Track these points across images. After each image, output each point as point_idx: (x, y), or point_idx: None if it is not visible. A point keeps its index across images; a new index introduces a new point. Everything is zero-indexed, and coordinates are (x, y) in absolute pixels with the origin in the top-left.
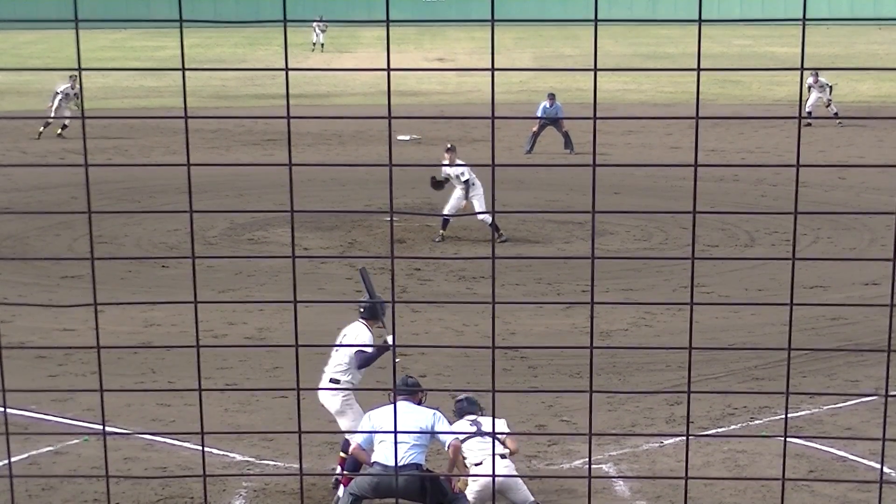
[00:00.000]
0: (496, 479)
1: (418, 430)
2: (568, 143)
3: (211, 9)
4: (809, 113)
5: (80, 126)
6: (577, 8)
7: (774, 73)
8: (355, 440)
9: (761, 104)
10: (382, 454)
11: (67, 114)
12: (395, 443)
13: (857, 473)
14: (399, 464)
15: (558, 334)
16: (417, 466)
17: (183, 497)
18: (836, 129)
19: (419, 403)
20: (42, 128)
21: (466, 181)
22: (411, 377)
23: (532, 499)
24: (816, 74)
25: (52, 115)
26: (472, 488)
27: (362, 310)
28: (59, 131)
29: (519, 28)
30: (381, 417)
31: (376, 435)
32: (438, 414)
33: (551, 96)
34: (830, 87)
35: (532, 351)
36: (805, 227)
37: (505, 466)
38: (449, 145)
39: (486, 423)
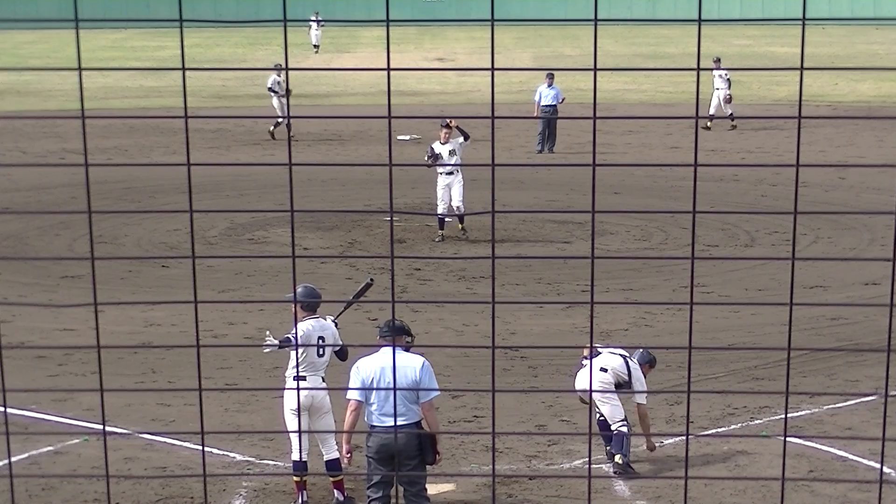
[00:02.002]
0: (595, 397)
1: (406, 380)
2: (552, 142)
3: (211, 9)
4: (713, 116)
5: (293, 124)
6: (577, 8)
7: (774, 73)
8: (351, 395)
9: (761, 104)
10: (377, 415)
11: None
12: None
13: (857, 473)
14: (398, 423)
15: (558, 334)
16: (417, 424)
17: (183, 497)
18: (835, 129)
19: (406, 349)
20: (290, 131)
21: (455, 161)
22: (397, 320)
23: (619, 417)
24: (719, 62)
25: (280, 112)
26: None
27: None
28: (272, 128)
29: (519, 28)
30: (368, 367)
31: (368, 393)
32: (427, 364)
33: (549, 76)
34: (730, 80)
35: (532, 351)
36: (805, 227)
37: (601, 382)
38: (447, 121)
39: (604, 359)
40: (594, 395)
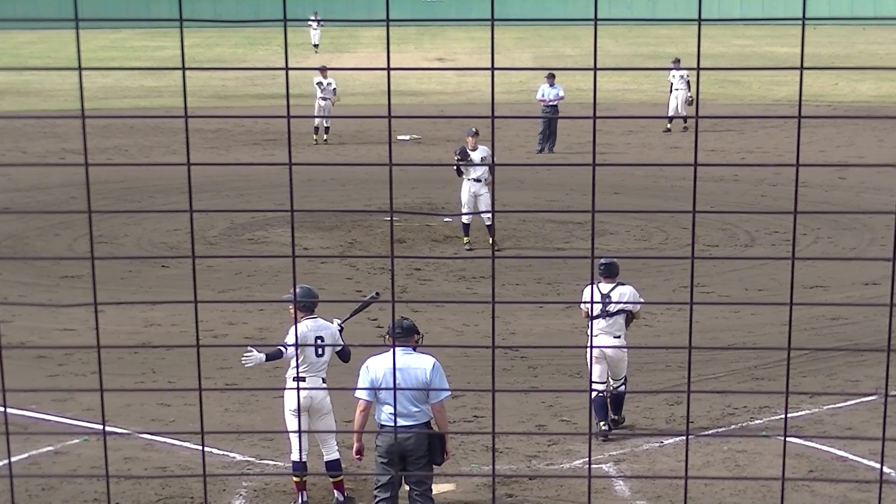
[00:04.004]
0: (610, 352)
1: (416, 381)
2: (552, 142)
3: (211, 9)
4: (674, 117)
5: (339, 126)
6: (577, 8)
7: (774, 73)
8: (360, 395)
9: (761, 104)
10: (387, 415)
11: (330, 111)
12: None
13: (857, 473)
14: (408, 423)
15: (558, 334)
16: (426, 425)
17: (183, 497)
18: (835, 129)
19: (414, 348)
20: (315, 135)
21: (491, 164)
22: (406, 319)
23: (623, 374)
24: (678, 62)
25: (317, 114)
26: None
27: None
28: (325, 137)
29: (519, 28)
30: (378, 367)
31: (378, 393)
32: (437, 364)
33: (551, 76)
34: (689, 81)
35: (532, 351)
36: (805, 227)
37: (616, 345)
38: (474, 130)
39: (617, 294)
40: (611, 353)
